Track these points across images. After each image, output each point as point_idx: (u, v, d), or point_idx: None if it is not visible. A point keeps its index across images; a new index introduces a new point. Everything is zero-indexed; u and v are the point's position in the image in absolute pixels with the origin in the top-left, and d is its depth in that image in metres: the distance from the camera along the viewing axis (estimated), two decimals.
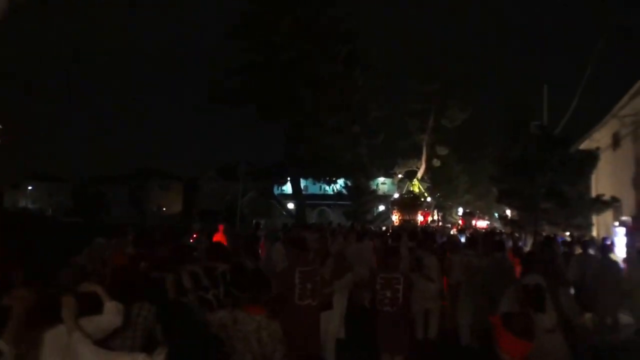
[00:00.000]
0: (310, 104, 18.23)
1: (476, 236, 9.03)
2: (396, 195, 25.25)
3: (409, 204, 21.84)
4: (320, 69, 18.28)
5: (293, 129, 19.66)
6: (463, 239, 9.36)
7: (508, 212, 19.76)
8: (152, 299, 2.91)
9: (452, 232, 17.18)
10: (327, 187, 25.30)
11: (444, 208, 41.02)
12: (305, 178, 46.12)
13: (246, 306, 2.98)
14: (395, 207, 22.06)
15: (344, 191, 23.66)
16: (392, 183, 31.41)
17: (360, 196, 22.71)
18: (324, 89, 18.24)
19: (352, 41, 19.64)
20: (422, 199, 23.59)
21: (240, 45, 19.44)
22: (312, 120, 18.80)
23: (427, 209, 24.16)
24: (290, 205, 48.11)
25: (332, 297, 4.91)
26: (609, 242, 9.16)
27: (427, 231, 11.65)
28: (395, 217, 21.62)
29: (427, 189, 27.85)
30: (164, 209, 60.00)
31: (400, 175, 28.57)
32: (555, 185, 12.04)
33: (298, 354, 3.71)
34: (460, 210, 40.18)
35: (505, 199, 13.98)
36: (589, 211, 12.18)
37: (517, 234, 14.59)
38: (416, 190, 26.04)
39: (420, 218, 21.40)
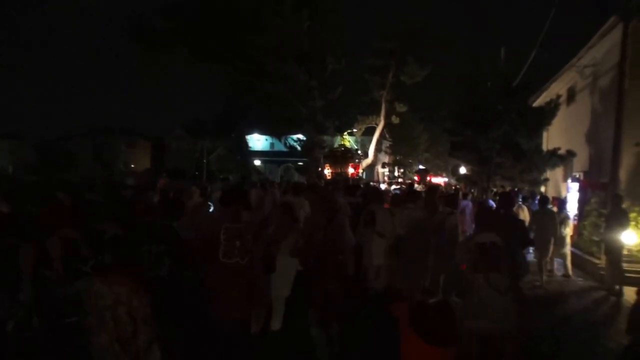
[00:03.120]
0: (253, 49, 16.19)
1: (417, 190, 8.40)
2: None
3: (340, 157, 21.11)
4: (262, 10, 16.14)
5: (238, 77, 17.75)
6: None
7: (463, 169, 19.18)
8: None
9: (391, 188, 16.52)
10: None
11: (404, 165, 40.92)
12: (253, 132, 44.61)
13: (106, 275, 2.62)
14: (327, 162, 21.25)
15: (297, 146, 22.18)
16: (356, 141, 30.03)
17: (312, 152, 21.33)
18: (267, 32, 16.14)
19: None
20: (352, 153, 22.80)
21: None
22: (258, 67, 16.90)
23: (357, 161, 23.19)
24: (257, 162, 47.10)
25: (274, 258, 4.39)
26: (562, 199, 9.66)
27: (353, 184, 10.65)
28: (328, 171, 21.04)
29: (355, 144, 27.25)
30: (132, 166, 57.63)
31: (354, 130, 26.97)
32: (511, 138, 11.36)
33: (223, 315, 3.51)
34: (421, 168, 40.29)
35: (457, 151, 12.62)
36: (544, 165, 10.86)
37: (472, 190, 14.04)
38: (347, 144, 25.12)
39: (351, 170, 20.83)
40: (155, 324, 2.65)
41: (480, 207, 6.32)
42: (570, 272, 8.72)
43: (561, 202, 8.93)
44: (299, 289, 4.76)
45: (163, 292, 3.13)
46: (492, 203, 9.47)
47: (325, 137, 23.44)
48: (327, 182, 16.07)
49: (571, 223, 9.26)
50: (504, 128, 11.17)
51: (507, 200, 5.34)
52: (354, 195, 7.47)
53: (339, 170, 20.92)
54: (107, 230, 3.08)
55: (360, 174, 23.42)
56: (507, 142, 11.26)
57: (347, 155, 21.78)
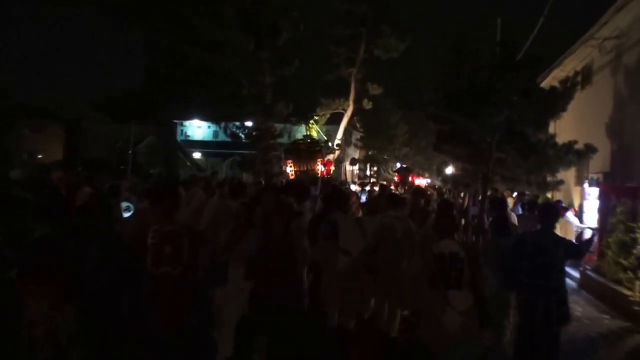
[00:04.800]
0: (179, 5, 15.06)
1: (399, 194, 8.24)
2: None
3: (305, 151, 20.06)
4: None
5: (160, 41, 16.30)
6: None
7: (450, 168, 18.38)
8: None
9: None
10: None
11: (378, 162, 40.13)
12: (192, 117, 43.79)
13: (27, 284, 2.87)
14: (289, 157, 20.27)
15: (241, 135, 21.48)
16: (318, 131, 29.43)
17: (260, 142, 20.77)
18: None
19: None
20: (321, 145, 21.69)
21: None
22: (188, 32, 15.72)
23: (328, 156, 22.81)
24: (197, 155, 45.64)
25: (225, 268, 4.70)
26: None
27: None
28: (290, 169, 20.05)
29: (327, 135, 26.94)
30: (40, 156, 54.34)
31: (316, 117, 26.99)
32: (515, 126, 10.21)
33: (153, 335, 3.72)
34: (398, 166, 39.93)
35: (444, 144, 11.74)
36: (557, 164, 10.16)
37: (461, 195, 13.66)
38: (314, 134, 24.53)
39: (320, 168, 19.39)
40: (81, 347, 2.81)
41: (441, 206, 5.96)
42: None
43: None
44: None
45: (101, 306, 3.37)
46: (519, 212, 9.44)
47: (284, 126, 23.39)
48: (288, 182, 15.76)
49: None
50: (506, 113, 10.00)
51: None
52: (304, 200, 7.13)
53: (305, 168, 20.15)
54: (35, 229, 3.40)
55: (331, 172, 23.02)
56: (510, 131, 10.14)
57: (314, 149, 20.82)
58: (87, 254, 3.62)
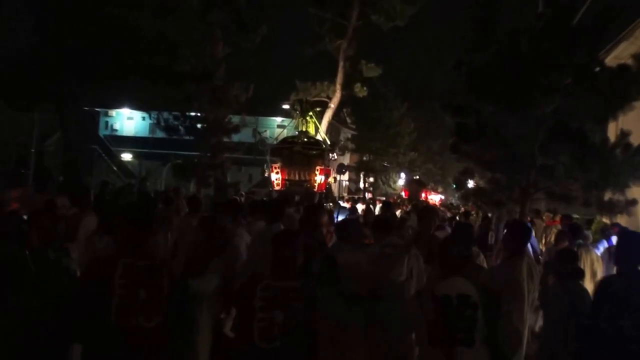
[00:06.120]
0: None
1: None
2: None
3: (301, 154, 20.31)
4: None
5: None
6: None
7: (471, 183, 18.45)
8: None
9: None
10: None
11: (375, 170, 40.10)
12: (121, 105, 43.63)
13: None
14: (277, 160, 20.74)
15: (180, 128, 21.10)
16: (292, 128, 29.92)
17: (207, 138, 20.36)
18: None
19: None
20: (323, 147, 22.15)
21: None
22: None
23: (329, 161, 24.11)
24: (127, 156, 45.03)
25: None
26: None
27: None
28: (277, 177, 20.16)
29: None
30: None
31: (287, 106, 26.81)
32: (569, 119, 10.25)
33: None
34: (403, 176, 39.98)
35: (466, 145, 11.85)
36: (630, 174, 10.07)
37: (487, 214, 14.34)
38: (311, 130, 23.80)
39: (319, 179, 19.93)
40: None
41: (455, 230, 6.56)
42: None
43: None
44: None
45: None
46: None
47: (244, 118, 23.27)
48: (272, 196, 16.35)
49: None
50: (556, 101, 10.08)
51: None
52: (277, 221, 7.32)
53: (298, 177, 20.42)
54: None
55: (329, 184, 23.71)
56: (561, 127, 10.09)
57: (313, 152, 21.03)
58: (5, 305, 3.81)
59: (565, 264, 5.69)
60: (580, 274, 5.81)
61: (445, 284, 3.95)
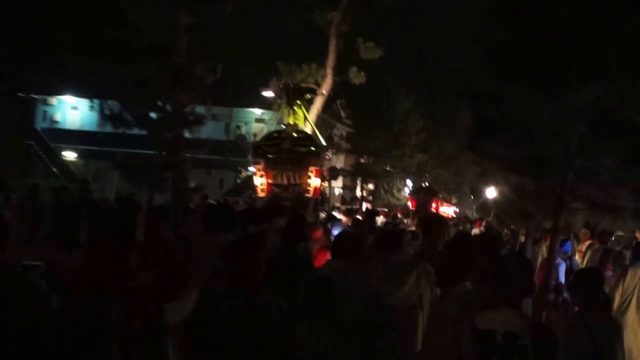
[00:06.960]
0: None
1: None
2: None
3: (291, 152, 20.35)
4: None
5: None
6: None
7: (493, 189, 18.22)
8: None
9: None
10: None
11: (375, 176, 40.52)
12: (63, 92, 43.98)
13: None
14: (261, 160, 20.56)
15: (127, 118, 21.11)
16: (275, 121, 30.94)
17: (162, 132, 20.49)
18: None
19: None
20: (317, 145, 22.26)
21: None
22: None
23: (323, 161, 23.38)
24: (70, 155, 45.14)
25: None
26: None
27: None
28: (261, 181, 20.19)
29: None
30: None
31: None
32: (617, 110, 10.45)
33: None
34: (409, 184, 40.39)
35: (486, 142, 12.02)
36: None
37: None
38: (300, 123, 23.71)
39: (314, 182, 19.99)
40: None
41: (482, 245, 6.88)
42: None
43: None
44: None
45: None
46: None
47: (211, 108, 24.43)
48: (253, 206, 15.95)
49: None
50: (602, 87, 10.10)
51: None
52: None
53: (286, 180, 20.51)
54: None
55: (324, 189, 24.19)
56: (606, 120, 10.27)
57: (303, 150, 21.08)
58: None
59: None
60: None
61: (490, 316, 3.85)
